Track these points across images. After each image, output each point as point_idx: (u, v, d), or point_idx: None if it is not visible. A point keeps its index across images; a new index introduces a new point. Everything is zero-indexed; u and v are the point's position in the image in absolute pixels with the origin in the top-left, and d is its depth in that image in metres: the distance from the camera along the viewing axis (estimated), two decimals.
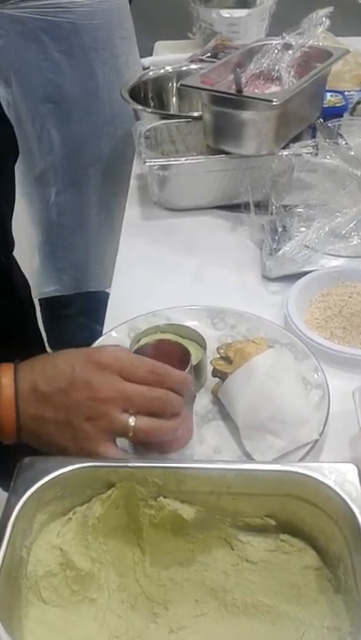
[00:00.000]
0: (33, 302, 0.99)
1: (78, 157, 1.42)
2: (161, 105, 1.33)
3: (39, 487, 0.52)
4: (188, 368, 0.63)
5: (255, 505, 0.55)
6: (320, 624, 0.51)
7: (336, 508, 0.51)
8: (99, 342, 0.78)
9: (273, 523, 0.55)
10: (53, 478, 0.52)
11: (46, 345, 1.61)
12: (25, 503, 0.51)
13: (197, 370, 0.73)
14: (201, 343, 0.75)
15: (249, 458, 0.65)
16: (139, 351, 0.66)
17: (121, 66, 1.38)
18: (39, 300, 1.65)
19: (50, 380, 0.55)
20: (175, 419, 0.57)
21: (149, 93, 1.33)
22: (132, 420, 0.55)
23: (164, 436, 0.57)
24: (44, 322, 1.70)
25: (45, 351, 1.00)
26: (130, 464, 0.54)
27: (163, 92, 1.35)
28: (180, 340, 0.76)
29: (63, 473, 0.53)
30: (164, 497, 0.54)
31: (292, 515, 0.55)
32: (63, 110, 1.36)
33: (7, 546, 0.48)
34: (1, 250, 0.82)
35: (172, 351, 0.66)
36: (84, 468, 0.54)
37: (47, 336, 1.72)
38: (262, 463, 0.62)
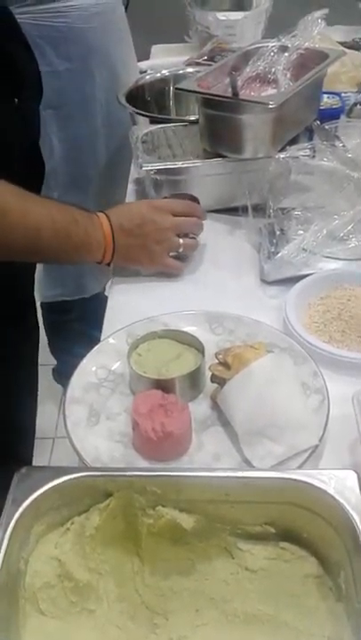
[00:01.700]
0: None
1: (78, 161, 1.42)
2: (158, 109, 1.33)
3: (36, 497, 0.51)
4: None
5: (255, 513, 0.54)
6: (321, 633, 0.50)
7: (336, 515, 0.51)
8: (96, 349, 0.77)
9: (273, 530, 0.55)
10: (51, 488, 0.52)
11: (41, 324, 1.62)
12: (22, 514, 0.50)
13: (196, 375, 0.72)
14: (199, 349, 0.74)
15: (249, 464, 0.64)
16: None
17: (118, 68, 1.38)
18: (41, 303, 1.64)
19: (129, 221, 0.87)
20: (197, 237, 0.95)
21: (147, 97, 1.33)
22: (181, 241, 0.91)
23: (195, 248, 0.94)
24: (44, 326, 1.70)
25: (36, 317, 1.06)
26: (128, 473, 0.54)
27: (160, 96, 1.35)
28: (178, 345, 0.76)
29: (60, 483, 0.52)
30: (163, 506, 0.54)
31: (292, 522, 0.54)
32: (62, 115, 1.36)
33: (4, 557, 0.48)
34: (32, 168, 0.93)
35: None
36: (82, 477, 0.53)
37: (48, 341, 1.72)
38: (261, 471, 0.61)
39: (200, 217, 0.94)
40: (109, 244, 0.84)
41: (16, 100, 0.82)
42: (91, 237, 0.83)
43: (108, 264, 0.87)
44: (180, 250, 0.90)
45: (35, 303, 1.03)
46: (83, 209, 0.85)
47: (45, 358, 1.67)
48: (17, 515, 0.50)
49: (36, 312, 1.04)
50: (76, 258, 0.88)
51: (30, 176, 0.86)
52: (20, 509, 0.50)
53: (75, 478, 0.53)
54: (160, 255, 0.89)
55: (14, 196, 0.76)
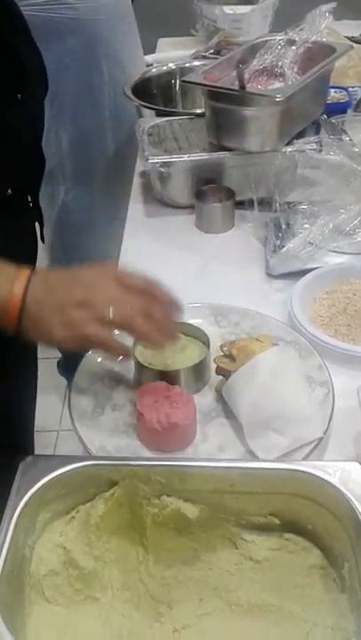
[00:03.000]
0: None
1: (85, 154, 1.42)
2: (165, 102, 1.33)
3: (42, 486, 0.52)
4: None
5: (259, 503, 0.55)
6: (325, 624, 0.50)
7: (340, 506, 0.51)
8: None
9: (277, 521, 0.55)
10: (56, 477, 0.52)
11: None
12: (27, 502, 0.51)
13: (201, 367, 0.72)
14: (204, 341, 0.74)
15: (253, 456, 0.64)
16: None
17: (125, 60, 1.38)
18: None
19: (58, 278, 0.66)
20: (150, 322, 0.64)
21: (153, 90, 1.33)
22: (110, 312, 0.62)
23: (137, 331, 0.65)
24: None
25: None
26: (133, 462, 0.54)
27: (166, 89, 1.34)
28: (183, 337, 0.76)
29: (65, 471, 0.53)
30: (168, 495, 0.54)
31: (297, 513, 0.54)
32: (70, 107, 1.36)
33: (10, 545, 0.48)
34: (34, 165, 0.86)
35: None
36: (87, 466, 0.54)
37: None
38: (266, 462, 0.61)
39: (163, 307, 0.66)
40: (16, 298, 0.62)
41: (19, 95, 0.81)
42: None
43: (18, 332, 0.63)
44: (108, 322, 0.62)
45: None
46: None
47: (50, 351, 1.67)
48: (22, 503, 0.50)
49: None
50: None
51: (30, 174, 0.85)
52: (26, 498, 0.50)
53: (80, 467, 0.53)
54: (78, 322, 0.62)
55: None
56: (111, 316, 0.62)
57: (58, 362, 1.80)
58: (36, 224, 0.93)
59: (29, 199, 0.85)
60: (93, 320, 0.62)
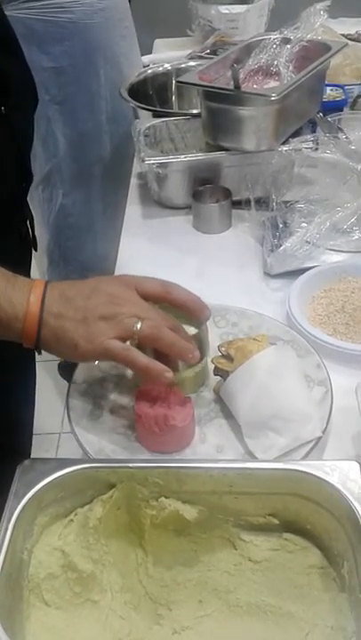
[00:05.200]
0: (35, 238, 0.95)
1: (83, 157, 1.42)
2: (161, 102, 1.33)
3: (39, 489, 0.52)
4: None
5: (258, 504, 0.54)
6: (325, 623, 0.50)
7: (339, 506, 0.51)
8: None
9: (276, 521, 0.55)
10: (54, 480, 0.52)
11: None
12: (25, 505, 0.51)
13: (197, 342, 0.68)
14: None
15: (252, 456, 0.64)
16: None
17: (122, 63, 1.38)
18: None
19: (76, 289, 0.63)
20: (176, 333, 0.64)
21: (149, 91, 1.33)
22: (138, 325, 0.61)
23: (165, 342, 0.63)
24: None
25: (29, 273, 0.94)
26: (130, 464, 0.54)
27: (162, 90, 1.35)
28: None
29: (63, 474, 0.53)
30: (166, 497, 0.54)
31: (296, 513, 0.54)
32: (67, 110, 1.36)
33: (8, 548, 0.48)
34: (17, 179, 0.83)
35: None
36: (85, 469, 0.53)
37: None
38: (264, 462, 0.61)
39: (184, 304, 0.67)
40: (33, 312, 0.61)
41: (2, 108, 0.75)
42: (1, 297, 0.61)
43: (37, 348, 0.63)
44: (135, 337, 0.61)
45: None
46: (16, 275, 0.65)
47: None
48: (20, 506, 0.50)
49: None
50: None
51: (12, 188, 0.83)
52: (24, 501, 0.50)
53: (77, 470, 0.53)
54: (102, 335, 0.60)
55: None
56: (139, 328, 0.61)
57: (59, 364, 1.80)
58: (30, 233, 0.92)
59: (14, 211, 0.84)
60: (120, 332, 0.61)
